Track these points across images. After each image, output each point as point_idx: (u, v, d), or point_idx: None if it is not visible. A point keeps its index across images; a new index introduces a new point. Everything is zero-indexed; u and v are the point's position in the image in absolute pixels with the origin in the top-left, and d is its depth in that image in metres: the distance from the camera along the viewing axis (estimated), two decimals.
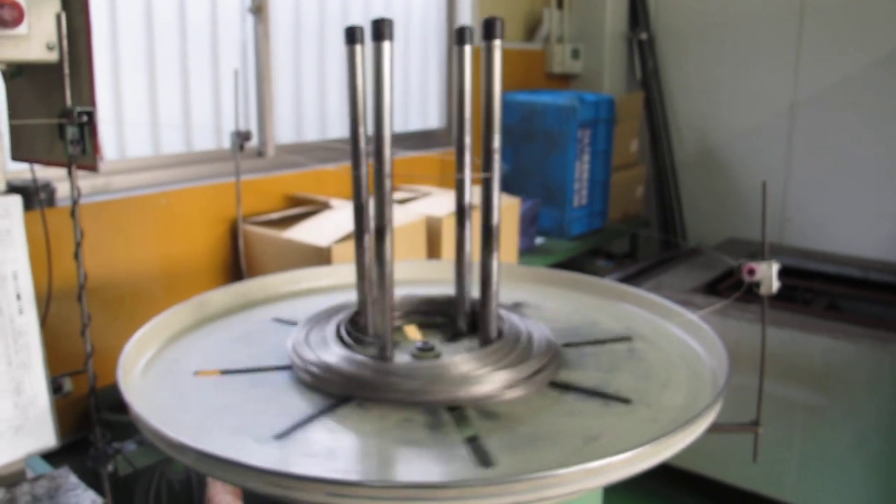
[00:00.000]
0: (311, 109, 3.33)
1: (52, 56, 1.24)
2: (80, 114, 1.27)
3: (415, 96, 3.77)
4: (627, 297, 1.80)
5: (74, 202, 1.35)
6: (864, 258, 3.51)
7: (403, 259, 1.98)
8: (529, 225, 3.43)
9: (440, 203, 2.98)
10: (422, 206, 2.95)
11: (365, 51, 1.42)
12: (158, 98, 2.73)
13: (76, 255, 1.37)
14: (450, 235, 2.80)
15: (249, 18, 2.97)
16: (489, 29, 1.33)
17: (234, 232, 2.81)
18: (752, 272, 1.60)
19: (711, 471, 2.94)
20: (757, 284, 1.58)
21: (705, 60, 4.08)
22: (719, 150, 4.11)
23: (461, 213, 1.52)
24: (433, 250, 2.83)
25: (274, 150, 3.07)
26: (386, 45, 1.25)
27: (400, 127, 3.71)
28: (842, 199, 3.76)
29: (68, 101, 1.28)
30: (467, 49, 1.45)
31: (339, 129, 3.41)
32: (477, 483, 1.01)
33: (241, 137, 2.38)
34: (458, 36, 1.47)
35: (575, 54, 4.18)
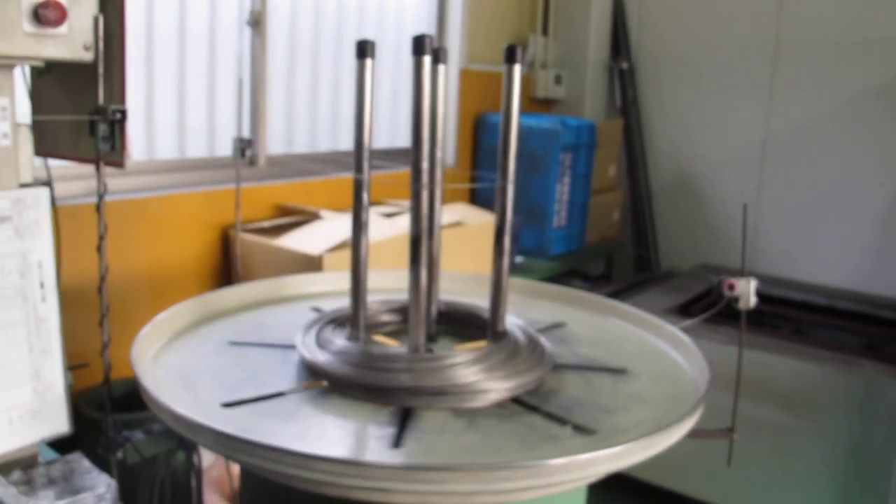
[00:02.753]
0: (302, 121, 3.40)
1: (89, 56, 1.31)
2: (113, 111, 1.33)
3: (404, 113, 3.86)
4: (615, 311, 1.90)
5: (100, 197, 1.41)
6: (830, 287, 3.66)
7: (391, 269, 2.04)
8: (511, 243, 3.51)
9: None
10: (406, 221, 3.02)
11: (375, 65, 1.51)
12: (155, 104, 2.79)
13: (99, 249, 1.42)
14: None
15: (247, 31, 3.04)
16: (511, 55, 1.42)
17: (224, 238, 2.86)
18: (731, 287, 1.71)
19: (681, 486, 3.03)
20: (736, 299, 1.69)
21: (683, 91, 4.22)
22: (694, 179, 4.24)
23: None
24: None
25: (265, 160, 3.14)
26: (368, 62, 1.36)
27: (388, 143, 3.80)
28: (810, 229, 3.90)
29: (101, 100, 1.34)
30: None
31: (328, 141, 3.49)
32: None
33: (243, 144, 2.45)
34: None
35: (558, 80, 4.30)
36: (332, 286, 2.02)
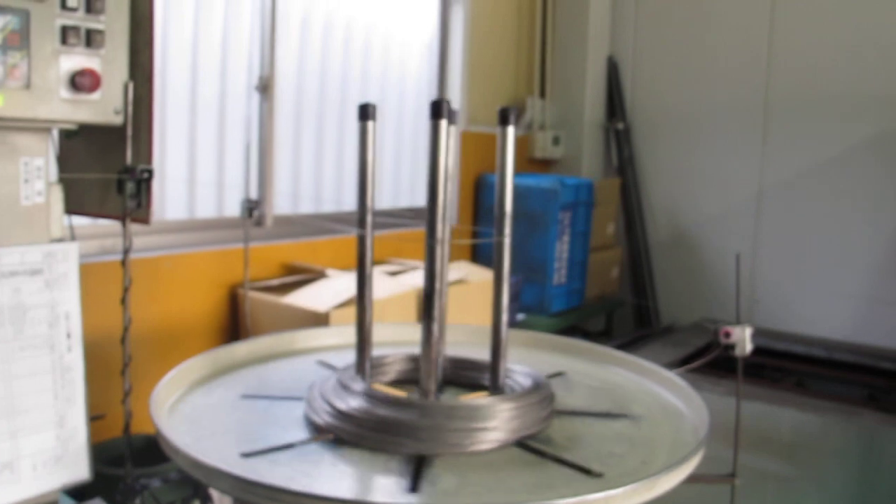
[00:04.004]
0: (308, 182, 3.50)
1: (119, 119, 1.40)
2: (141, 171, 1.41)
3: (406, 174, 3.96)
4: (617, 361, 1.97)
5: (126, 252, 1.48)
6: (829, 339, 3.71)
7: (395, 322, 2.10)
8: (512, 301, 3.57)
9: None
10: (411, 279, 3.10)
11: (375, 126, 1.61)
12: (166, 166, 2.88)
13: (123, 301, 1.49)
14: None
15: (255, 96, 3.16)
16: (504, 117, 1.50)
17: (232, 296, 2.93)
18: (727, 335, 1.78)
19: None
20: (732, 346, 1.76)
21: (678, 148, 4.34)
22: (691, 234, 4.33)
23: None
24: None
25: (272, 220, 3.22)
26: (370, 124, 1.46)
27: (390, 203, 3.89)
28: (807, 280, 3.97)
29: (129, 160, 1.43)
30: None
31: (333, 202, 3.58)
32: None
33: (251, 204, 2.53)
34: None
35: (556, 141, 4.42)
36: (339, 340, 2.08)
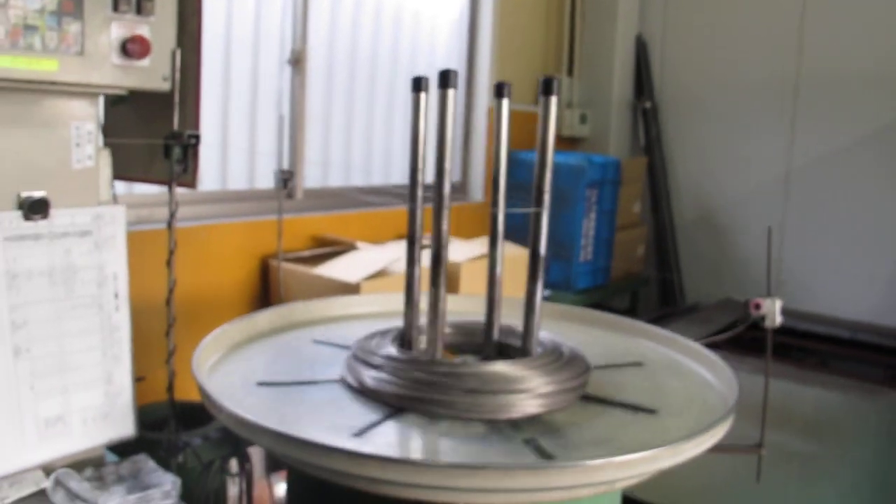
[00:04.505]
0: (337, 157, 3.53)
1: (166, 86, 1.43)
2: (189, 136, 1.45)
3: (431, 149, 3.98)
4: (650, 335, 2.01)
5: (172, 215, 1.52)
6: (853, 320, 3.71)
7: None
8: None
9: (456, 250, 3.16)
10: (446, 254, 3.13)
11: (423, 99, 1.64)
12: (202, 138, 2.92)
13: (168, 263, 1.54)
14: (467, 279, 2.98)
15: (287, 70, 3.19)
16: (548, 86, 1.54)
17: (263, 267, 2.97)
18: (758, 307, 1.81)
19: None
20: (762, 318, 1.79)
21: (706, 128, 4.33)
22: (717, 214, 4.33)
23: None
24: (451, 292, 3.00)
25: (303, 193, 3.26)
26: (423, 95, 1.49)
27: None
28: (833, 262, 3.96)
29: (176, 125, 1.47)
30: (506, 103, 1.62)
31: (362, 176, 3.61)
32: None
33: (285, 175, 2.57)
34: (497, 90, 1.63)
35: (583, 119, 4.43)
36: (381, 307, 2.14)
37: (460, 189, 4.04)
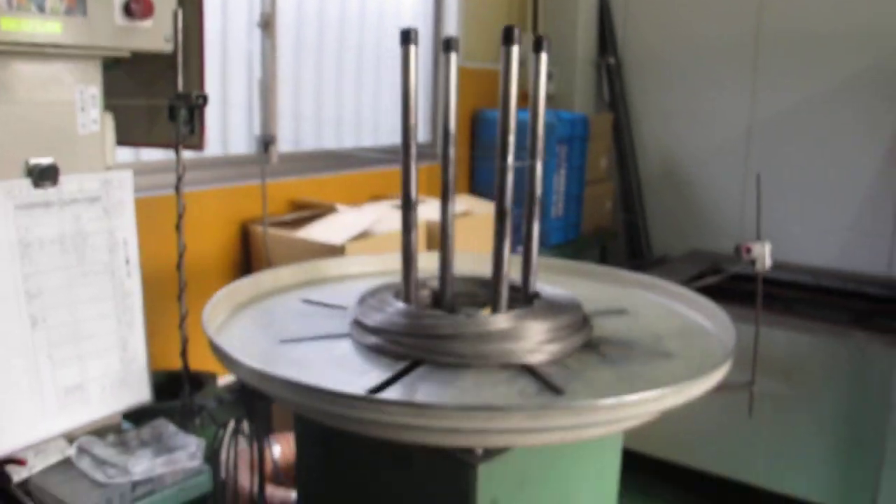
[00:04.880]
0: (309, 120, 3.51)
1: (169, 47, 1.41)
2: (197, 97, 1.44)
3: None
4: (641, 284, 2.06)
5: (179, 178, 1.51)
6: (816, 267, 3.84)
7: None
8: (513, 233, 3.65)
9: (435, 210, 3.18)
10: (418, 212, 3.14)
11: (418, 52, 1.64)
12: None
13: (177, 227, 1.53)
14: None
15: (257, 32, 3.14)
16: (508, 35, 1.56)
17: (243, 233, 2.96)
18: (748, 251, 1.88)
19: (685, 459, 3.18)
20: (753, 262, 1.86)
21: (668, 85, 4.39)
22: (682, 169, 4.41)
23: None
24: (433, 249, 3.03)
25: (278, 158, 3.23)
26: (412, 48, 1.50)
27: (388, 140, 3.91)
28: (795, 213, 4.08)
29: (180, 87, 1.45)
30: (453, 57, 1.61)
31: (334, 139, 3.59)
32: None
33: (268, 139, 2.55)
34: (445, 45, 1.62)
35: (548, 76, 4.44)
36: (375, 267, 2.15)
37: (430, 147, 4.05)
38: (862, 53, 3.81)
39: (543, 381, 1.36)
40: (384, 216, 2.96)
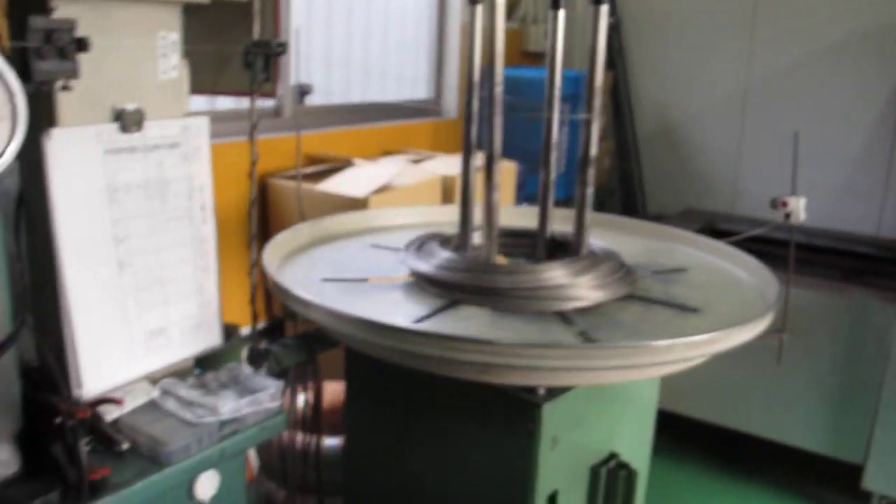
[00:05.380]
0: (318, 75, 3.49)
1: None
2: (277, 45, 1.45)
3: (409, 68, 3.98)
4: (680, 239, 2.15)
5: (253, 126, 1.53)
6: (808, 226, 3.94)
7: None
8: (518, 189, 3.69)
9: (447, 164, 3.22)
10: (432, 166, 3.18)
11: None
12: None
13: (251, 175, 1.55)
14: None
15: None
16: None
17: (261, 186, 2.96)
18: (784, 204, 1.96)
19: (685, 409, 3.30)
20: (788, 215, 1.95)
21: (666, 43, 4.43)
22: (678, 128, 4.48)
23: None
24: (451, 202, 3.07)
25: (290, 111, 3.22)
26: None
27: (395, 95, 3.92)
28: (788, 173, 4.18)
29: (256, 35, 1.46)
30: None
31: (342, 94, 3.59)
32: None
33: (305, 89, 2.54)
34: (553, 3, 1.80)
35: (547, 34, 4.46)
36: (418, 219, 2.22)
37: (433, 106, 4.05)
38: (858, 14, 3.88)
39: (583, 331, 1.45)
40: (403, 170, 2.98)
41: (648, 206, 4.58)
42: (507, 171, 3.23)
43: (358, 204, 2.69)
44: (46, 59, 1.11)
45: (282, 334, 1.85)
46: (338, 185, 2.79)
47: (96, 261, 1.32)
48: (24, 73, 1.12)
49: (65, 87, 1.19)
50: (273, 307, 1.95)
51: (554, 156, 1.84)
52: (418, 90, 4.04)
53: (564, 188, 4.10)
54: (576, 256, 1.75)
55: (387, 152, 3.43)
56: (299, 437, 2.02)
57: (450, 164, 3.20)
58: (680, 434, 3.32)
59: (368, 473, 1.95)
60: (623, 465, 1.80)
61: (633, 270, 1.78)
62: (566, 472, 1.70)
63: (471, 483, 1.71)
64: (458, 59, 4.00)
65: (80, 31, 1.18)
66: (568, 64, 4.40)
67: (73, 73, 1.14)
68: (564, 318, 1.52)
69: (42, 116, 1.24)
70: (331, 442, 2.22)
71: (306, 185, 2.85)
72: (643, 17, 4.50)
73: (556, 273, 1.63)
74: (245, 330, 2.50)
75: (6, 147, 1.11)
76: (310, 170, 3.03)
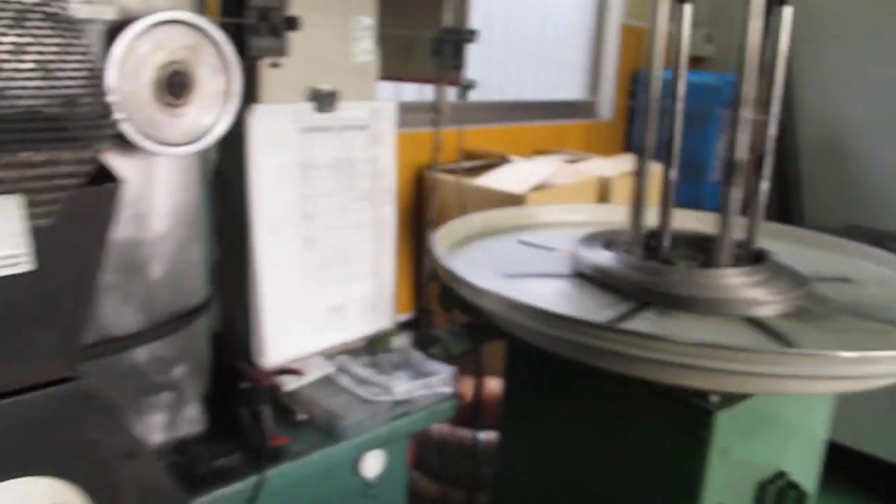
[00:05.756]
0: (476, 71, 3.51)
1: None
2: (467, 32, 1.45)
3: (564, 68, 3.94)
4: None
5: (439, 112, 1.54)
6: None
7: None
8: (675, 194, 3.59)
9: (602, 166, 3.16)
10: (588, 167, 3.13)
11: None
12: None
13: (433, 165, 1.57)
14: (620, 193, 2.98)
15: None
16: None
17: (418, 178, 3.00)
18: None
19: (855, 442, 3.10)
20: None
21: (833, 48, 4.19)
22: (842, 139, 4.23)
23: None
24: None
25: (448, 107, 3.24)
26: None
27: (548, 95, 3.89)
28: None
29: (444, 22, 1.47)
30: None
31: (496, 91, 3.59)
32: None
33: (469, 83, 2.55)
34: None
35: (708, 38, 4.32)
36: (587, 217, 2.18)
37: (587, 107, 4.00)
38: None
39: (773, 333, 1.37)
40: (559, 170, 2.95)
41: (806, 220, 4.34)
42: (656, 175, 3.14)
43: (515, 200, 2.68)
44: (261, 36, 1.15)
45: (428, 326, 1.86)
46: (495, 180, 2.79)
47: (286, 236, 1.36)
48: (239, 49, 1.16)
49: (273, 65, 1.23)
50: (424, 298, 1.96)
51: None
52: (573, 90, 3.99)
53: (716, 197, 3.96)
54: (760, 263, 1.67)
55: (539, 151, 3.41)
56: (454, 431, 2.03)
57: (605, 166, 3.14)
58: (848, 468, 3.11)
59: (521, 470, 1.92)
60: (793, 486, 1.70)
61: (808, 280, 1.68)
62: (733, 486, 1.62)
63: (631, 489, 1.66)
64: (616, 61, 3.93)
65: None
66: (727, 70, 4.28)
67: (283, 51, 1.18)
68: (757, 323, 1.45)
69: (245, 92, 1.29)
70: (483, 436, 2.22)
71: (465, 180, 2.87)
72: (806, 20, 4.28)
73: (745, 279, 1.56)
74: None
75: (218, 118, 1.16)
76: (466, 164, 3.04)
